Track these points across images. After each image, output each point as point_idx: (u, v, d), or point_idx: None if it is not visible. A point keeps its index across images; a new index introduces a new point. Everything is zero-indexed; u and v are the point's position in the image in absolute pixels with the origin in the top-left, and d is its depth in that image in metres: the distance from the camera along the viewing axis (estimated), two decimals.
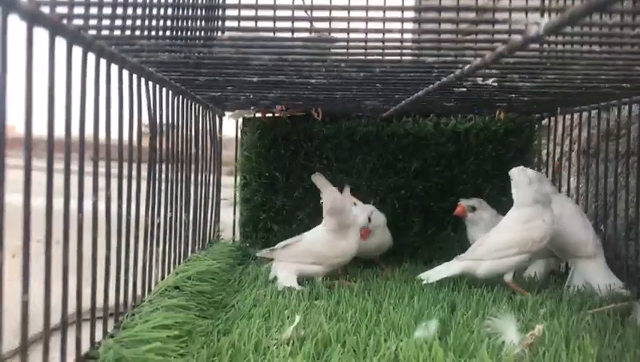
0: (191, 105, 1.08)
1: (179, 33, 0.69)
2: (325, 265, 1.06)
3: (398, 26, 0.61)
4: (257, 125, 1.34)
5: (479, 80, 0.80)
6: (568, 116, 1.29)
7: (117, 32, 0.62)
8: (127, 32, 0.63)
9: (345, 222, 1.05)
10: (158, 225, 0.86)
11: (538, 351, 0.68)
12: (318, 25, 0.66)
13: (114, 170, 0.68)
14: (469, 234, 1.22)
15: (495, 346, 0.71)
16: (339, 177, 1.33)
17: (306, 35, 0.66)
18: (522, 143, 1.33)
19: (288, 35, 0.67)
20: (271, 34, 0.68)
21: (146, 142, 0.83)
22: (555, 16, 0.44)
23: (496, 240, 1.01)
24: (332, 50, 0.71)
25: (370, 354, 0.68)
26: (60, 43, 0.53)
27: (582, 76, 0.81)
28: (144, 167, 0.81)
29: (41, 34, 0.49)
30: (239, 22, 0.68)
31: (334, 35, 0.68)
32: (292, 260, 1.06)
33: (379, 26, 0.60)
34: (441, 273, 1.02)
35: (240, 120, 1.39)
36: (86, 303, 0.60)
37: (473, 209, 1.20)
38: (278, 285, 1.01)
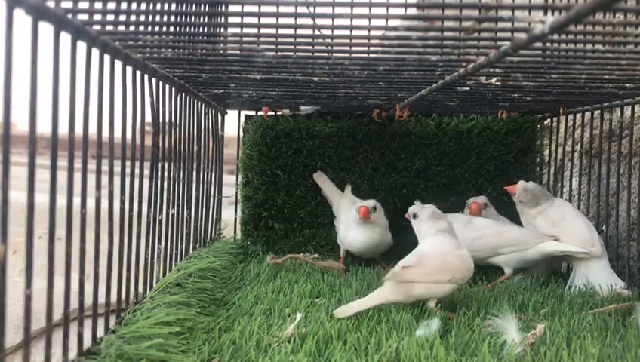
0: (193, 102, 1.08)
1: (183, 29, 0.69)
2: (457, 282, 0.86)
3: (401, 23, 0.61)
4: (259, 123, 1.34)
5: (483, 79, 0.80)
6: (571, 116, 1.28)
7: (121, 28, 0.62)
8: (132, 28, 0.63)
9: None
10: (160, 222, 0.86)
11: (539, 351, 0.68)
12: (320, 22, 0.66)
13: (117, 168, 0.68)
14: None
15: (496, 345, 0.71)
16: (340, 176, 1.34)
17: (309, 32, 0.66)
18: (524, 143, 1.33)
19: (291, 31, 0.67)
20: (274, 30, 0.68)
21: (148, 140, 0.83)
22: (561, 14, 0.44)
23: None
24: (335, 48, 0.71)
25: (371, 353, 0.68)
26: (64, 38, 0.53)
27: (585, 76, 0.81)
28: (146, 165, 0.82)
29: (45, 29, 0.49)
30: (242, 18, 0.68)
31: (337, 32, 0.68)
32: (425, 279, 0.84)
33: (382, 23, 0.60)
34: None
35: (242, 118, 1.40)
36: (88, 299, 0.60)
37: (485, 206, 1.20)
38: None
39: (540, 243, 1.07)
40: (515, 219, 1.18)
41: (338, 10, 0.60)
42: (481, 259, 1.11)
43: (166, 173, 0.90)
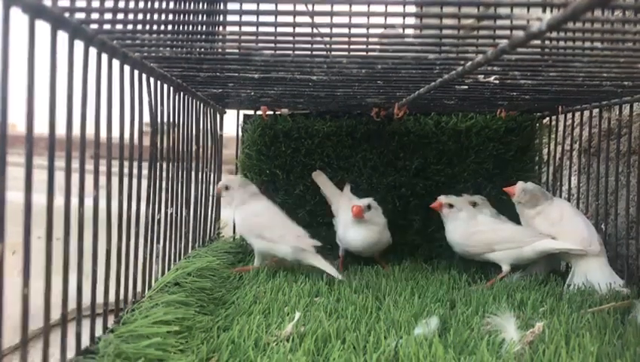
0: (192, 101, 1.08)
1: (181, 28, 0.69)
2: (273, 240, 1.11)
3: (400, 21, 0.61)
4: (258, 123, 1.34)
5: (481, 77, 0.80)
6: (570, 115, 1.28)
7: (119, 27, 0.62)
8: (130, 27, 0.63)
9: None
10: (159, 221, 0.86)
11: (538, 349, 0.68)
12: (319, 20, 0.65)
13: (114, 169, 0.68)
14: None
15: (495, 343, 0.71)
16: (339, 175, 1.33)
17: (307, 30, 0.66)
18: (523, 142, 1.33)
19: (290, 29, 0.67)
20: (272, 29, 0.68)
21: (146, 139, 0.83)
22: (558, 12, 0.44)
23: None
24: (333, 46, 0.71)
25: (370, 351, 0.68)
26: (62, 37, 0.53)
27: (584, 74, 0.81)
28: (145, 164, 0.81)
29: (42, 27, 0.49)
30: (240, 17, 0.68)
31: (335, 30, 0.68)
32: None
33: (380, 21, 0.60)
34: None
35: (241, 117, 1.39)
36: (86, 299, 0.60)
37: (475, 204, 1.21)
38: None
39: (535, 241, 1.07)
40: (514, 217, 1.18)
41: (336, 8, 0.60)
42: (477, 254, 1.12)
43: (164, 173, 0.90)
